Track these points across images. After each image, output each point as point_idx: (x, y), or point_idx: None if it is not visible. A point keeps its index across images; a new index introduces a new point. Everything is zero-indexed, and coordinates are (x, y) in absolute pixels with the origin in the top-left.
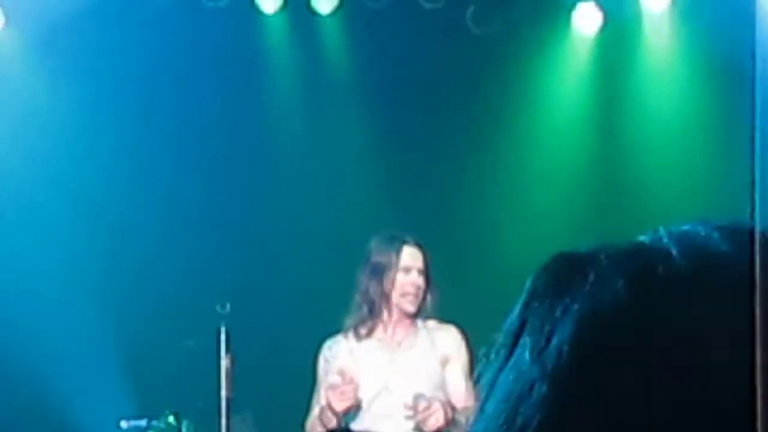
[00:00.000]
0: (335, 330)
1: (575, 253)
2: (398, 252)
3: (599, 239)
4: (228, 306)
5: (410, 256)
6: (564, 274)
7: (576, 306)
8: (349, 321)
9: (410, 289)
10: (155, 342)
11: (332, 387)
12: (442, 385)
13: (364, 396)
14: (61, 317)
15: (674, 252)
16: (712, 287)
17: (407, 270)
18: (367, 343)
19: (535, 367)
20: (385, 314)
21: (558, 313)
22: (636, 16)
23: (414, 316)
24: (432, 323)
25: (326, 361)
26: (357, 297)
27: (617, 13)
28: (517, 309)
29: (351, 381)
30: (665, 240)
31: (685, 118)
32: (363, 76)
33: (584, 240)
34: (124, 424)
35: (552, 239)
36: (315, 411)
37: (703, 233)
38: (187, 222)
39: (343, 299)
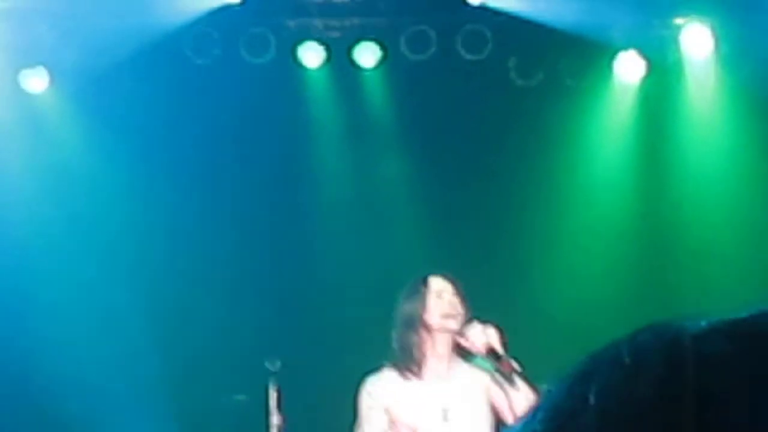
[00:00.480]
0: None
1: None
2: (425, 282)
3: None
4: (278, 363)
5: (439, 283)
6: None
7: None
8: (390, 364)
9: (448, 310)
10: (204, 397)
11: None
12: (492, 407)
13: None
14: (110, 371)
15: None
16: None
17: (439, 294)
18: (410, 380)
19: None
20: (425, 349)
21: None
22: (679, 64)
23: (454, 349)
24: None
25: (370, 397)
26: (395, 344)
27: (660, 61)
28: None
29: (404, 424)
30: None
31: (733, 169)
32: (406, 127)
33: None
34: None
35: (589, 290)
36: None
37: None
38: (237, 275)
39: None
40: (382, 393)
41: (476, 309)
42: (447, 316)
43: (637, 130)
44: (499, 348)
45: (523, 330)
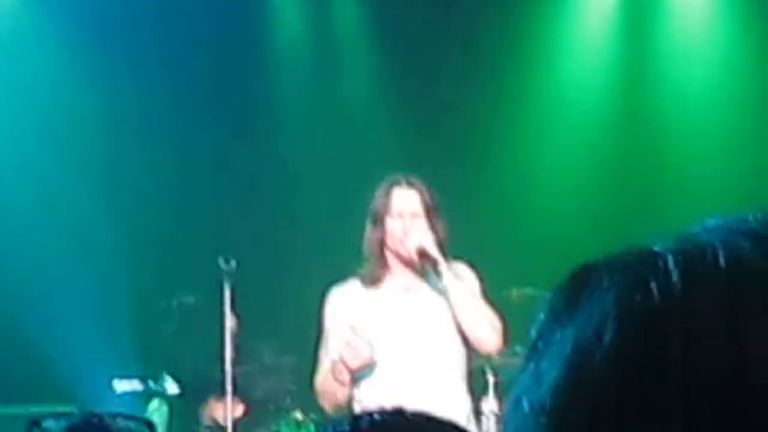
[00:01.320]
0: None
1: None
2: (388, 195)
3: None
4: (233, 262)
5: (401, 199)
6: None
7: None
8: (359, 269)
9: (400, 235)
10: (155, 298)
11: (347, 344)
12: (457, 327)
13: (377, 350)
14: (59, 270)
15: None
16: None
17: (399, 215)
18: (374, 292)
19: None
20: (389, 261)
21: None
22: None
23: (422, 258)
24: (441, 263)
25: (333, 310)
26: (364, 245)
27: None
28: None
29: (363, 337)
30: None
31: (725, 69)
32: (374, 28)
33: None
34: (117, 385)
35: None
36: (325, 365)
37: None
38: (191, 168)
39: (354, 247)
40: (344, 306)
41: (449, 218)
42: (398, 240)
43: (620, 27)
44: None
45: (496, 234)
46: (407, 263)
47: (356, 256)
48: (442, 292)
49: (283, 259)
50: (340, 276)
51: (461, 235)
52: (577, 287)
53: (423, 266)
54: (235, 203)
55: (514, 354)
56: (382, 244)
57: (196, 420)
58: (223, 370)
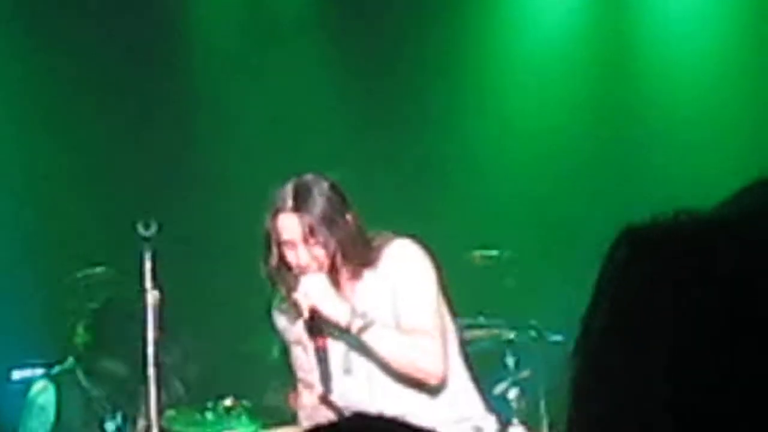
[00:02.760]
0: None
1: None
2: (274, 224)
3: None
4: (153, 226)
5: (287, 228)
6: None
7: None
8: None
9: (303, 263)
10: (68, 268)
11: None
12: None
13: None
14: None
15: None
16: None
17: (290, 244)
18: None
19: None
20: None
21: None
22: None
23: (341, 260)
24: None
25: (279, 324)
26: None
27: None
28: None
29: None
30: None
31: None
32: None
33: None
34: (17, 374)
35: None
36: (302, 392)
37: None
38: (104, 125)
39: None
40: (285, 325)
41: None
42: (303, 268)
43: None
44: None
45: (461, 198)
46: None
47: None
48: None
49: (214, 223)
50: None
51: (423, 200)
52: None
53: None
54: (156, 160)
55: (480, 325)
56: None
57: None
58: (144, 354)
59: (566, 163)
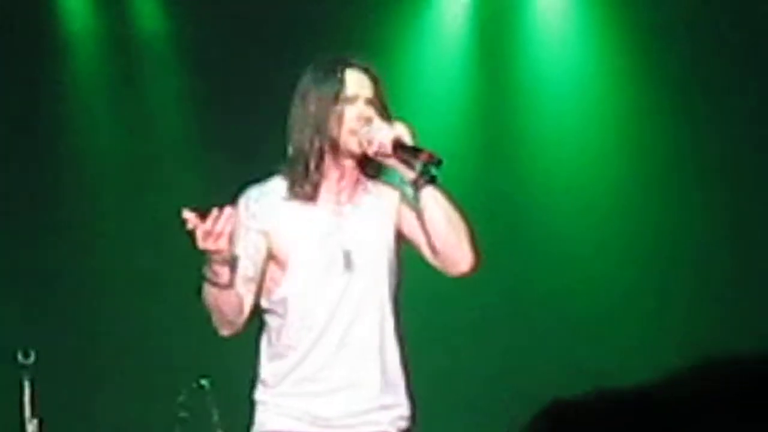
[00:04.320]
0: None
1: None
2: (341, 78)
3: None
4: (32, 354)
5: (356, 82)
6: None
7: None
8: (283, 175)
9: (356, 125)
10: None
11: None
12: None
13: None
14: None
15: None
16: None
17: (353, 100)
18: (308, 212)
19: None
20: (330, 167)
21: None
22: None
23: (363, 165)
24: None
25: (249, 212)
26: (290, 150)
27: None
28: None
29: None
30: None
31: (585, 98)
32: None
33: None
34: None
35: None
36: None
37: None
38: None
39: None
40: (265, 213)
41: None
42: (353, 131)
43: (475, 40)
44: (409, 140)
45: None
46: (353, 169)
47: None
48: (405, 200)
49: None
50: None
51: None
52: None
53: (379, 169)
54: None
55: None
56: (328, 141)
57: None
58: None
59: None
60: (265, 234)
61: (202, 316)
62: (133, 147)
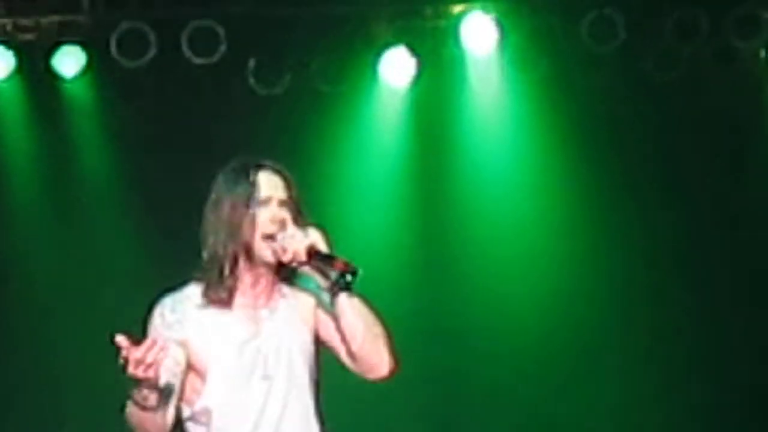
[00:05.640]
0: None
1: None
2: (253, 181)
3: None
4: None
5: (268, 184)
6: None
7: None
8: (197, 281)
9: (271, 228)
10: None
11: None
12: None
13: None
14: None
15: None
16: None
17: (265, 202)
18: (224, 318)
19: None
20: (244, 271)
21: None
22: (457, 60)
23: (278, 269)
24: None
25: (165, 323)
26: (204, 254)
27: (434, 58)
28: None
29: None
30: None
31: (520, 178)
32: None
33: None
34: None
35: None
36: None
37: None
38: None
39: None
40: (181, 323)
41: None
42: (268, 236)
43: (408, 140)
44: (323, 248)
45: None
46: (266, 274)
47: None
48: (322, 304)
49: None
50: None
51: None
52: None
53: (293, 272)
54: None
55: None
56: (240, 245)
57: None
58: None
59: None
60: (183, 344)
61: None
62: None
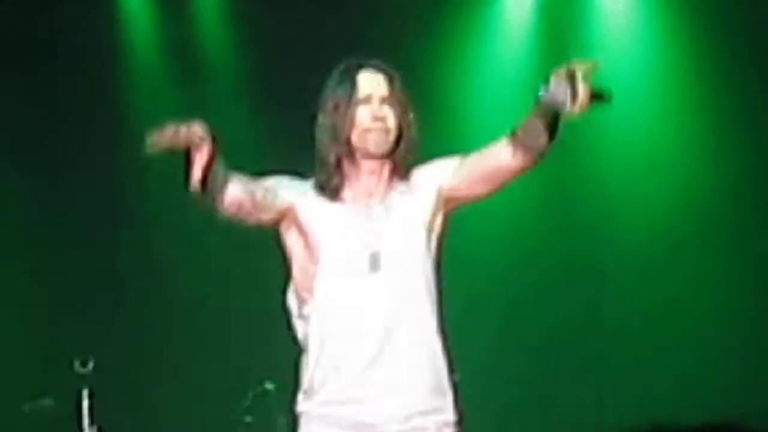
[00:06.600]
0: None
1: None
2: (353, 81)
3: None
4: (90, 364)
5: (369, 82)
6: None
7: None
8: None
9: (370, 124)
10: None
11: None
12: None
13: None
14: None
15: None
16: None
17: (366, 101)
18: (337, 208)
19: None
20: (352, 171)
21: None
22: None
23: (387, 163)
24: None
25: (291, 178)
26: (316, 159)
27: None
28: None
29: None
30: None
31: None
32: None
33: None
34: None
35: None
36: None
37: None
38: (36, 263)
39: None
40: (298, 187)
41: None
42: (367, 131)
43: (535, 49)
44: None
45: None
46: (374, 170)
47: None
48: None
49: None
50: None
51: None
52: None
53: (410, 168)
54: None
55: None
56: (342, 144)
57: None
58: None
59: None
60: (292, 204)
61: (267, 318)
62: None
